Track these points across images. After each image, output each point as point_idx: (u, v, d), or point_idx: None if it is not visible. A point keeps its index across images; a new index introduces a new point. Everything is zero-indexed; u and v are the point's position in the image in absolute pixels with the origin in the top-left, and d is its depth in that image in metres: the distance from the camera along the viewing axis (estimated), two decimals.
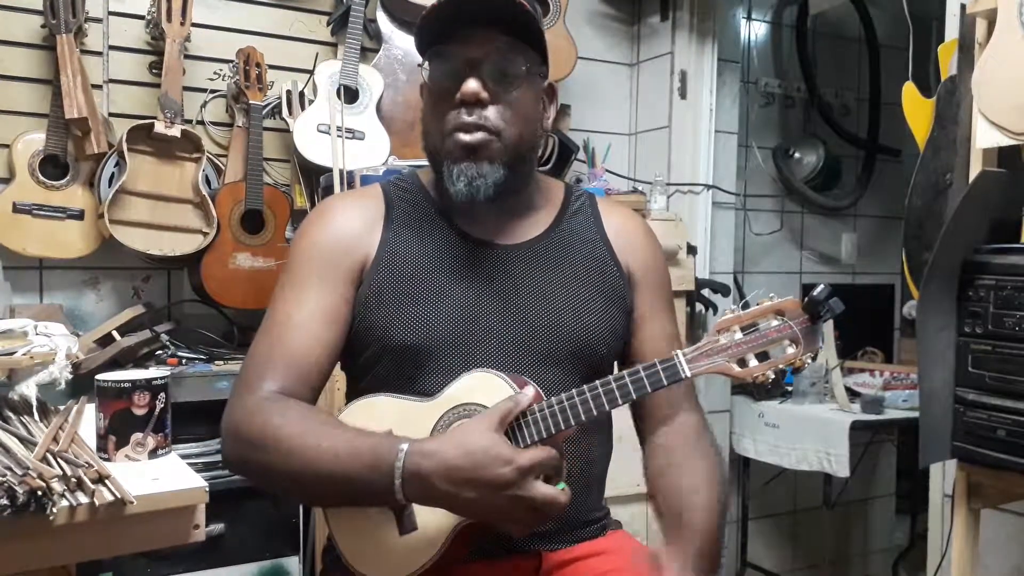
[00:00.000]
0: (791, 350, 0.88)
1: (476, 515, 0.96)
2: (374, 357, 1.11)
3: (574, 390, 0.98)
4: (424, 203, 1.18)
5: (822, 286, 0.90)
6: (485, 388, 1.01)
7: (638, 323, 1.19)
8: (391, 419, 1.02)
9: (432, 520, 0.99)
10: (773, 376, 0.89)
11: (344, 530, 1.05)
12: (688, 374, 0.95)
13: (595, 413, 0.97)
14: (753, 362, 0.91)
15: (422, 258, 1.13)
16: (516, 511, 0.92)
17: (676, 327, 1.23)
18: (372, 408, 1.05)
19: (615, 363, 1.21)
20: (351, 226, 1.14)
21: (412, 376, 1.09)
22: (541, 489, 0.91)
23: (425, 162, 1.18)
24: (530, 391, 0.98)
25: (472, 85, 1.05)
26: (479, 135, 1.07)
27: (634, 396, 0.97)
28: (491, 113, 1.07)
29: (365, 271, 1.12)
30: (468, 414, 1.01)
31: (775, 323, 0.89)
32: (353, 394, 1.15)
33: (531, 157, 1.17)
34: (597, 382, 0.98)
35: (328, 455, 0.96)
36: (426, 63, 1.12)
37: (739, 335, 0.92)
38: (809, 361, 0.88)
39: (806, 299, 0.93)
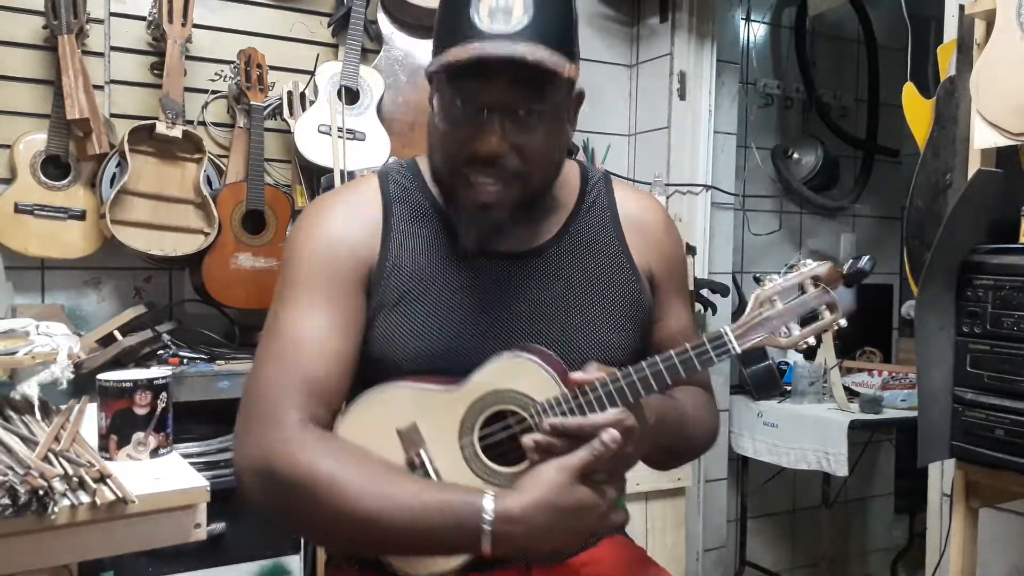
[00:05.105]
0: (827, 315, 0.89)
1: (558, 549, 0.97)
2: (383, 369, 1.03)
3: (619, 373, 0.93)
4: (424, 202, 1.09)
5: (867, 257, 0.90)
6: (520, 373, 0.96)
7: (655, 318, 1.15)
8: (411, 411, 0.98)
9: None
10: (816, 343, 0.90)
11: None
12: (739, 350, 0.93)
13: (644, 395, 0.93)
14: (796, 330, 0.91)
15: (423, 268, 1.05)
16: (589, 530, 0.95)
17: (691, 314, 1.20)
18: (388, 400, 0.99)
19: None
20: (350, 232, 1.05)
21: None
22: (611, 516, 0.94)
23: None
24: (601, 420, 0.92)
25: (492, 143, 0.96)
26: (496, 191, 0.99)
27: (683, 375, 0.93)
28: (512, 161, 0.98)
29: (371, 278, 1.04)
30: (504, 401, 0.96)
31: (813, 290, 0.90)
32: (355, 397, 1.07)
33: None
34: (643, 363, 0.93)
35: (403, 510, 0.89)
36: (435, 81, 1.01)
37: (780, 305, 0.91)
38: (843, 323, 0.89)
39: (847, 266, 0.93)
